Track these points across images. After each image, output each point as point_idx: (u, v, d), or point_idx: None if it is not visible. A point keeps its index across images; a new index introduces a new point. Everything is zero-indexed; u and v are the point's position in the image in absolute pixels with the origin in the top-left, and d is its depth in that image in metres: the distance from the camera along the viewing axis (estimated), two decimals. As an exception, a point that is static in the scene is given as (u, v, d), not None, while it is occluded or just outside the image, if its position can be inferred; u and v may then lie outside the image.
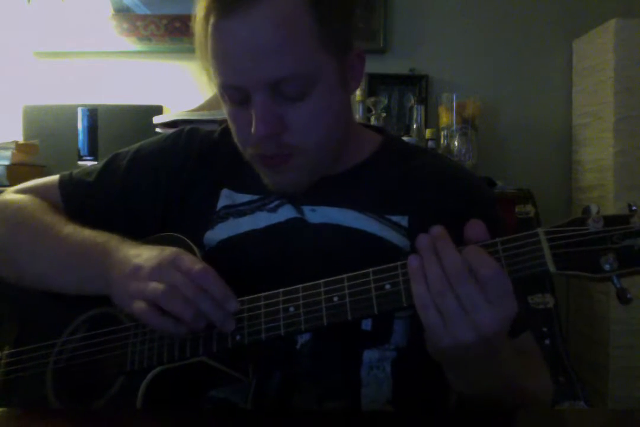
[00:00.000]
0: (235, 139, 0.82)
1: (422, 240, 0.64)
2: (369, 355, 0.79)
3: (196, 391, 0.79)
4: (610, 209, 2.05)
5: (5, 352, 0.88)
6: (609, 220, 0.60)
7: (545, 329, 1.96)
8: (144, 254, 0.73)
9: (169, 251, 0.73)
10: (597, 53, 2.17)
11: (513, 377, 0.71)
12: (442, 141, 2.20)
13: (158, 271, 0.70)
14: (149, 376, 0.72)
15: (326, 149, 0.80)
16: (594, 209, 0.62)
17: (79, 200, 0.93)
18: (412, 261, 0.63)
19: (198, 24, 0.76)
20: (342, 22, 0.77)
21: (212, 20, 0.73)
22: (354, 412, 0.77)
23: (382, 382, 0.79)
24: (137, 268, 0.71)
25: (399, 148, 0.92)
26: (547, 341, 1.96)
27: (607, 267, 0.60)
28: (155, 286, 0.69)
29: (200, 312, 0.68)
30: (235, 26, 0.71)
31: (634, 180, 2.05)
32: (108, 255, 0.76)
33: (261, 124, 0.74)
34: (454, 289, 0.61)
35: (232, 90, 0.76)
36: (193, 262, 0.70)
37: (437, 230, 0.64)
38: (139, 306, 0.69)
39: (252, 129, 0.74)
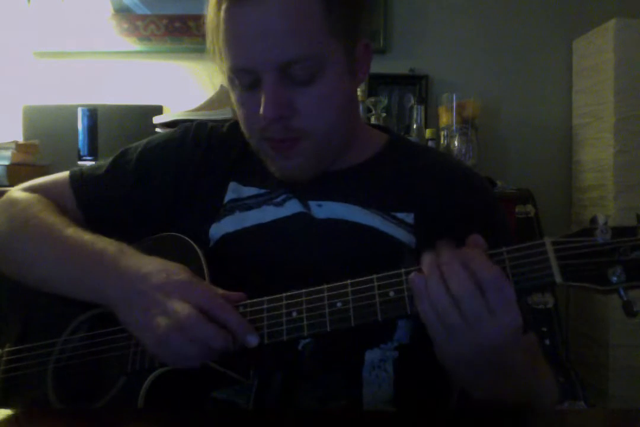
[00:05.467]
0: (243, 126, 0.83)
1: (427, 259, 0.63)
2: (371, 355, 0.79)
3: (198, 392, 0.79)
4: (610, 209, 2.05)
5: (6, 349, 0.88)
6: (617, 231, 0.60)
7: (545, 329, 1.96)
8: (152, 278, 0.71)
9: (177, 278, 0.71)
10: (597, 53, 2.17)
11: (523, 380, 0.70)
12: (442, 141, 2.20)
13: (163, 302, 0.68)
14: (151, 377, 0.73)
15: (335, 134, 0.81)
16: (601, 219, 0.60)
17: (92, 195, 0.93)
18: (416, 280, 0.62)
19: (210, 12, 0.78)
20: (349, 9, 0.79)
21: (224, 6, 0.76)
22: (356, 412, 0.77)
23: (384, 382, 0.79)
24: (141, 293, 0.70)
25: (405, 146, 0.93)
26: (547, 341, 1.96)
27: (614, 279, 0.59)
28: (161, 321, 0.67)
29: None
30: (247, 11, 0.74)
31: (634, 180, 2.05)
32: (106, 264, 0.76)
33: (270, 105, 0.75)
34: (458, 306, 0.60)
35: (243, 73, 0.77)
36: (204, 292, 0.69)
37: (442, 248, 0.62)
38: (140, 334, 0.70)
39: (261, 110, 0.75)
